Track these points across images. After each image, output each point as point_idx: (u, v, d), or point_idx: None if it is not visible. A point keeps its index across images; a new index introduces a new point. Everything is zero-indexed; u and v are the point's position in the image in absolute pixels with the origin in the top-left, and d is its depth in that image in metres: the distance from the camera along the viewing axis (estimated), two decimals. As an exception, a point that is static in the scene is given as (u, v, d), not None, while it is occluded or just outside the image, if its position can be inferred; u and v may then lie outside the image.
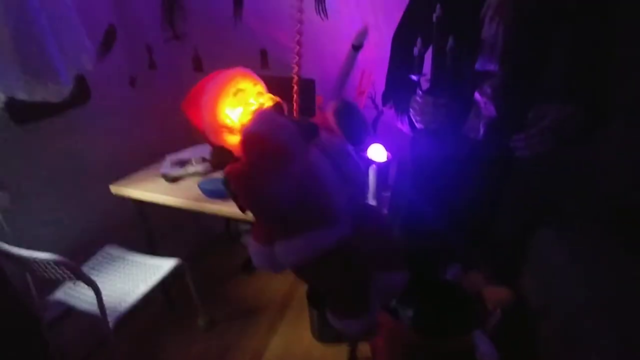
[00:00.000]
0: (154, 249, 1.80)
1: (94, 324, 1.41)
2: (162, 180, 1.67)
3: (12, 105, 1.38)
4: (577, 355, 1.12)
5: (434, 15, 0.99)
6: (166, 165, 1.74)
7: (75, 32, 1.40)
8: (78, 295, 1.49)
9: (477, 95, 1.15)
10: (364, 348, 1.68)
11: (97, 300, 1.34)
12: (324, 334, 1.82)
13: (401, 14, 1.26)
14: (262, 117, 1.02)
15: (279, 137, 0.95)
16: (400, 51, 1.27)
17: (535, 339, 1.30)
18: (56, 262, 1.23)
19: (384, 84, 1.35)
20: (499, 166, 1.25)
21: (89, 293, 1.34)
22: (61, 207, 1.65)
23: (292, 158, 0.95)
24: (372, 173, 1.45)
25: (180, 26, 2.02)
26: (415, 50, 1.04)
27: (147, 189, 1.60)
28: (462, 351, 1.31)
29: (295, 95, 1.56)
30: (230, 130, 1.23)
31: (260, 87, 1.31)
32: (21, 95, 1.30)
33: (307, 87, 1.69)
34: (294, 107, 1.59)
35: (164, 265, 1.66)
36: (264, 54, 1.92)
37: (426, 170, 1.41)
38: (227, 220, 2.51)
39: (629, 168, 1.10)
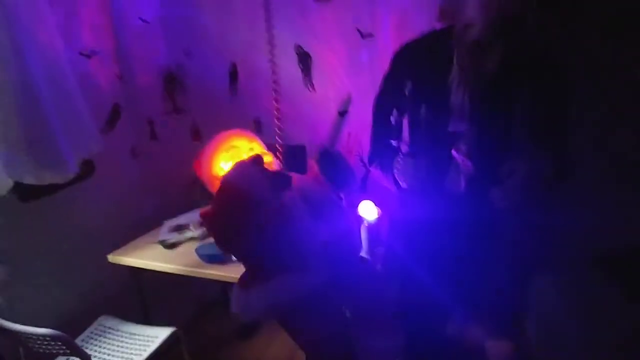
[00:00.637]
0: (149, 318, 1.77)
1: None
2: (160, 247, 1.70)
3: (19, 185, 1.41)
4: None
5: (406, 90, 1.11)
6: (164, 232, 1.77)
7: (82, 120, 1.48)
8: (71, 370, 1.45)
9: (454, 153, 1.24)
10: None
11: (91, 376, 1.31)
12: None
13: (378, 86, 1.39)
14: (236, 168, 1.13)
15: (243, 185, 1.06)
16: (379, 119, 1.36)
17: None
18: (52, 337, 1.22)
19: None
20: (485, 224, 1.26)
21: (83, 368, 1.31)
22: (58, 279, 1.65)
23: (255, 205, 1.03)
24: (363, 229, 1.49)
25: (180, 100, 2.18)
26: (392, 120, 1.15)
27: (145, 257, 1.63)
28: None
29: (279, 149, 1.63)
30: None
31: (257, 145, 1.43)
32: (29, 180, 1.36)
33: (299, 152, 1.78)
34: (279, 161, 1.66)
35: (158, 335, 1.62)
36: (257, 123, 2.06)
37: (418, 235, 1.39)
38: (224, 285, 2.48)
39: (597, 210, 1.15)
